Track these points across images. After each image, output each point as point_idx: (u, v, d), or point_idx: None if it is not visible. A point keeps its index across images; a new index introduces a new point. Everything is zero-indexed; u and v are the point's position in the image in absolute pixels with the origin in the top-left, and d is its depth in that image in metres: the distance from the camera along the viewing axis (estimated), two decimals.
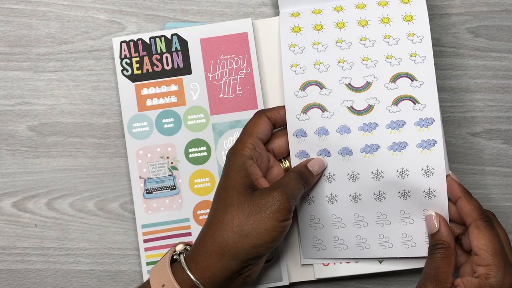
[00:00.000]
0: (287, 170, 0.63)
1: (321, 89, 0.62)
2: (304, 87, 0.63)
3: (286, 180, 0.59)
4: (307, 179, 0.61)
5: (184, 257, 0.57)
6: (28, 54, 0.69)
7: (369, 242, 0.63)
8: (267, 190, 0.57)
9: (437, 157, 0.60)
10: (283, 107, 0.63)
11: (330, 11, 0.64)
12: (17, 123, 0.69)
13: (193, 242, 0.66)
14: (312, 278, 0.66)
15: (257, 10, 0.69)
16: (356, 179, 0.62)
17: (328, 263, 0.65)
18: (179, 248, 0.59)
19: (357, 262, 0.65)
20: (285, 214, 0.56)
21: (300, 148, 0.62)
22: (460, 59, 0.69)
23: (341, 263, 0.65)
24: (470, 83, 0.69)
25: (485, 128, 0.69)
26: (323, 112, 0.62)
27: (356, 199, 0.62)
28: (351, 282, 0.68)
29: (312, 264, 0.65)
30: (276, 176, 0.63)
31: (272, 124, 0.62)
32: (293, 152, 0.62)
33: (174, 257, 0.59)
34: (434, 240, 0.60)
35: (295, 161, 0.62)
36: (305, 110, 0.62)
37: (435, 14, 0.68)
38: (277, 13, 0.68)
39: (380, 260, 0.64)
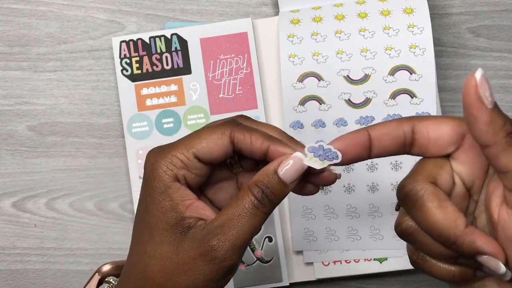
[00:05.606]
0: None
1: (319, 81, 0.62)
2: (302, 78, 0.62)
3: (233, 215, 0.41)
4: (271, 200, 0.41)
5: None
6: (28, 54, 0.69)
7: (360, 234, 0.63)
8: (200, 238, 0.41)
9: None
10: (261, 133, 0.42)
11: (329, 7, 0.64)
12: (16, 123, 0.68)
13: (121, 262, 0.54)
14: (312, 278, 0.66)
15: (257, 9, 0.69)
16: (351, 170, 0.61)
17: (328, 263, 0.65)
18: (106, 271, 0.53)
19: (357, 261, 0.65)
20: (226, 274, 0.41)
21: None
22: (461, 59, 0.69)
23: (341, 262, 0.65)
24: None
25: None
26: (320, 104, 0.61)
27: (350, 190, 0.62)
28: (351, 282, 0.68)
29: (312, 263, 0.65)
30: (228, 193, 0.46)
31: (233, 148, 0.43)
32: None
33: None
34: None
35: None
36: (303, 102, 0.61)
37: (436, 14, 0.68)
38: (277, 13, 0.68)
39: (381, 260, 0.64)
